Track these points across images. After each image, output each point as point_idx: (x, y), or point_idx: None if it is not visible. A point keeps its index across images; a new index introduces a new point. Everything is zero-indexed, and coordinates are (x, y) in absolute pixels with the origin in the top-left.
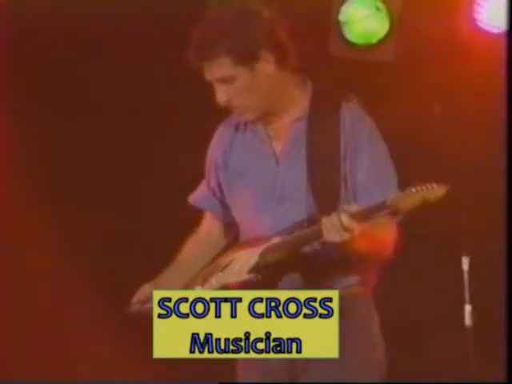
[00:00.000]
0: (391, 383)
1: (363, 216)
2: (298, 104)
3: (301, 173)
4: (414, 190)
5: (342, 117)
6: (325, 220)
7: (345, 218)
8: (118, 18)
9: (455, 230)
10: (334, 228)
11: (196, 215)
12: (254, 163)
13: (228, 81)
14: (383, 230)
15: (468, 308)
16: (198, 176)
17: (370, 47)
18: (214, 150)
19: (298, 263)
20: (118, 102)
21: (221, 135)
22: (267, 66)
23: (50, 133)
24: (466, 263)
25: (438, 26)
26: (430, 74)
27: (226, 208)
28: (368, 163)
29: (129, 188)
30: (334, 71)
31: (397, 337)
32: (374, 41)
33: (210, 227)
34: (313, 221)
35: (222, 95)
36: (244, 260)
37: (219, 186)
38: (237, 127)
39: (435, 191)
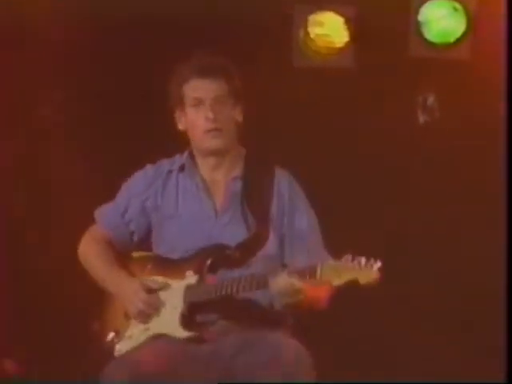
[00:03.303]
0: (392, 383)
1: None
2: (237, 158)
3: (238, 227)
4: (345, 261)
5: (277, 181)
6: (274, 284)
7: (296, 282)
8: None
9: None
10: (287, 293)
11: None
12: (191, 211)
13: (221, 100)
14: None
15: None
16: None
17: (447, 46)
18: (142, 188)
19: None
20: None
21: (150, 176)
22: (240, 112)
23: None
24: None
25: None
26: (504, 71)
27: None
28: (307, 221)
29: None
30: (411, 70)
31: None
32: (452, 40)
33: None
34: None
35: (211, 112)
36: (170, 303)
37: (141, 222)
38: (170, 172)
39: (369, 274)
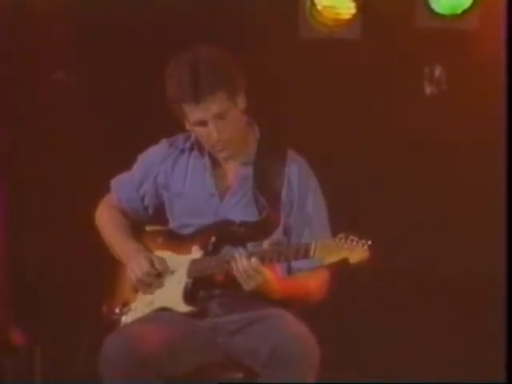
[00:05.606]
0: (391, 383)
1: (279, 256)
2: (248, 145)
3: (248, 209)
4: (338, 240)
5: (288, 165)
6: (233, 265)
7: (255, 262)
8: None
9: None
10: (245, 273)
11: None
12: (197, 190)
13: (223, 116)
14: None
15: None
16: None
17: (454, 17)
18: (156, 164)
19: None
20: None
21: (163, 151)
22: (242, 100)
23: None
24: None
25: None
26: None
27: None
28: (314, 210)
29: None
30: (418, 41)
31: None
32: (459, 11)
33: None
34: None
35: (215, 132)
36: (175, 278)
37: (154, 197)
38: (182, 150)
39: (359, 253)
